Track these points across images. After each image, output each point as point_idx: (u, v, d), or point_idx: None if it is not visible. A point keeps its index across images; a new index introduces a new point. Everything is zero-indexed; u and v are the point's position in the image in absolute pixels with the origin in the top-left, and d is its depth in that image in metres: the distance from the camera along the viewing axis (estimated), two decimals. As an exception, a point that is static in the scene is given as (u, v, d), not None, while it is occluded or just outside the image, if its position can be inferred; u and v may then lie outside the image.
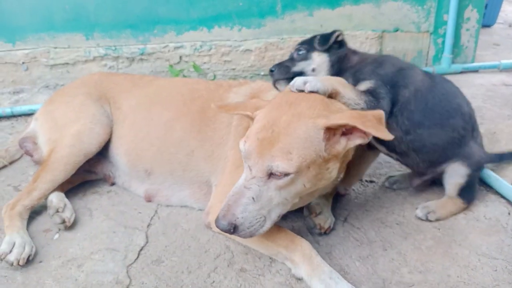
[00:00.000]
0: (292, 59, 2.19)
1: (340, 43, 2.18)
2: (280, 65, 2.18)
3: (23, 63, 3.55)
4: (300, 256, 1.77)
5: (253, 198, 1.61)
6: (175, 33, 3.72)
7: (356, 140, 1.67)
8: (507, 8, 7.61)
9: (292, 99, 1.74)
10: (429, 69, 4.28)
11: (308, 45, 2.18)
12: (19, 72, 3.57)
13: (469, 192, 2.16)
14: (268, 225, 1.66)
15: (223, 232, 1.66)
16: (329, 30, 2.19)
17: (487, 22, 6.17)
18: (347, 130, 1.67)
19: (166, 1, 3.61)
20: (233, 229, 1.60)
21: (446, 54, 4.31)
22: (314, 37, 2.19)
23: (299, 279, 1.77)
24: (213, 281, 1.78)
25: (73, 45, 3.59)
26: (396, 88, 1.98)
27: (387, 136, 1.58)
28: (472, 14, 4.30)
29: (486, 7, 5.63)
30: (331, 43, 2.12)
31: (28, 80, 3.62)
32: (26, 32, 3.51)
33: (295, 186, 1.65)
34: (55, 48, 3.57)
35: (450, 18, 4.18)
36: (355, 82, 2.02)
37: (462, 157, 2.12)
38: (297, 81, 1.79)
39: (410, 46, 4.28)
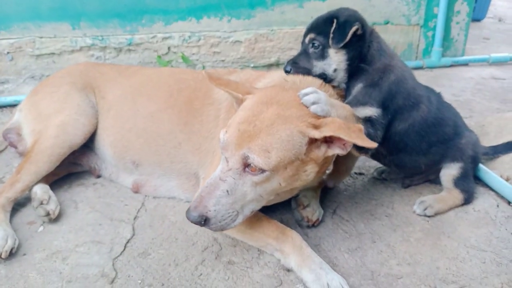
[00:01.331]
0: (306, 54, 1.99)
1: (360, 36, 1.93)
2: (295, 64, 1.99)
3: (7, 53, 3.48)
4: (290, 247, 1.75)
5: (227, 191, 1.57)
6: (163, 23, 3.67)
7: (335, 150, 1.65)
8: (497, 3, 7.66)
9: (285, 99, 1.67)
10: (419, 62, 4.30)
11: (323, 38, 1.93)
12: (3, 62, 3.50)
13: (465, 183, 2.15)
14: (240, 220, 1.64)
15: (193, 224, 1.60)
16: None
17: (477, 16, 6.20)
18: (329, 139, 1.64)
19: (154, -10, 3.56)
20: (204, 222, 1.56)
21: (436, 47, 4.32)
22: (327, 26, 1.92)
23: (288, 271, 1.75)
24: (201, 274, 1.75)
25: (59, 35, 3.52)
26: (395, 119, 1.98)
27: (371, 144, 1.59)
28: (462, 8, 4.31)
29: (476, 1, 5.64)
30: (347, 40, 1.89)
31: (13, 70, 3.54)
32: (11, 21, 3.43)
33: (271, 183, 1.63)
34: (41, 37, 3.50)
35: (440, 11, 4.18)
36: (364, 97, 1.93)
37: (450, 158, 2.15)
38: (307, 97, 1.67)
39: (400, 39, 4.27)
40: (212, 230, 1.62)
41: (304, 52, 2.01)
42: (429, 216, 2.09)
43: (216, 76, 1.87)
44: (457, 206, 2.15)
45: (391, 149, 2.07)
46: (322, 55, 1.96)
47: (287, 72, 2.00)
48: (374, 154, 2.11)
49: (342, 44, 1.89)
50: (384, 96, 1.92)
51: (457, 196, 2.14)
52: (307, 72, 1.98)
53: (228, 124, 1.68)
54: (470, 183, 2.18)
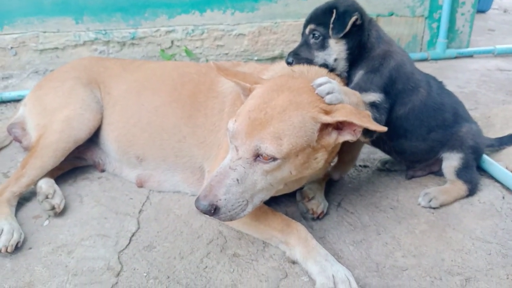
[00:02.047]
0: (307, 45, 2.01)
1: (359, 26, 1.95)
2: (297, 55, 2.00)
3: (11, 48, 3.48)
4: (295, 238, 1.75)
5: (237, 180, 1.56)
6: (166, 16, 3.66)
7: (346, 136, 1.66)
8: (502, -7, 7.58)
9: (295, 86, 1.67)
10: (424, 54, 4.27)
11: (323, 29, 1.94)
12: (7, 57, 3.51)
13: (468, 174, 2.14)
14: (249, 209, 1.62)
15: (203, 214, 1.59)
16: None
17: (482, 8, 6.15)
18: (339, 126, 1.65)
19: (157, -17, 3.55)
20: (214, 211, 1.54)
21: (441, 39, 4.29)
22: (327, 16, 1.93)
23: (293, 263, 1.75)
24: (206, 267, 1.76)
25: (62, 30, 3.52)
26: (395, 104, 2.00)
27: (382, 128, 1.63)
28: (467, -1, 4.28)
29: (481, -8, 5.60)
30: (347, 30, 1.90)
31: (17, 65, 3.55)
32: (14, 16, 3.43)
33: (281, 172, 1.62)
34: (44, 32, 3.50)
35: (445, 2, 4.15)
36: (365, 83, 1.95)
37: (450, 147, 2.15)
38: (322, 88, 1.66)
39: (405, 31, 4.25)
40: (221, 220, 1.61)
41: (305, 43, 2.03)
42: (434, 208, 2.08)
43: (224, 67, 1.87)
44: (462, 198, 2.14)
45: (391, 134, 2.04)
46: (323, 46, 1.98)
47: (289, 63, 2.01)
48: (375, 141, 2.13)
49: (342, 34, 1.91)
50: (385, 82, 1.95)
51: (461, 187, 2.13)
52: (309, 63, 1.99)
53: (237, 113, 1.66)
54: (473, 173, 2.17)
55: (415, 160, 2.27)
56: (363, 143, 2.29)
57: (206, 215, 1.58)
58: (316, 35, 1.97)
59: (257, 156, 1.57)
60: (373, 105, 1.91)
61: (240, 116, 1.62)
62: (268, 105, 1.60)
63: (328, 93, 1.66)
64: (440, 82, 2.22)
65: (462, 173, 2.13)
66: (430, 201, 2.09)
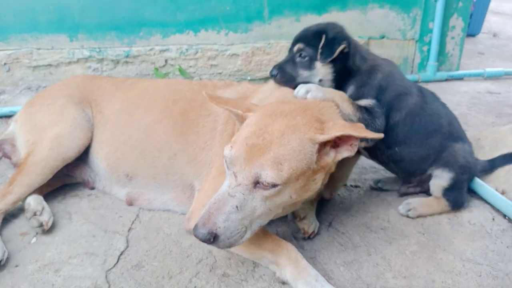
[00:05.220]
0: (293, 62, 2.05)
1: (346, 53, 2.02)
2: (282, 69, 2.04)
3: (5, 64, 3.48)
4: (286, 259, 1.74)
5: (237, 207, 1.53)
6: (161, 36, 3.68)
7: (344, 153, 1.68)
8: (491, 18, 7.74)
9: (288, 110, 1.68)
10: (415, 76, 4.33)
11: (311, 51, 2.00)
12: (0, 73, 3.50)
13: (454, 195, 2.18)
14: (248, 235, 1.60)
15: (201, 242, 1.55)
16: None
17: (471, 32, 6.27)
18: (336, 143, 1.67)
19: (152, 3, 3.57)
20: (213, 239, 1.50)
21: (431, 62, 4.35)
22: (316, 39, 1.99)
23: (283, 283, 1.73)
24: (195, 287, 1.73)
25: (56, 47, 3.53)
26: (390, 111, 2.04)
27: (379, 135, 1.67)
28: (457, 23, 4.36)
29: (470, 17, 5.71)
30: (334, 57, 1.97)
31: (10, 81, 3.54)
32: (8, 32, 3.43)
33: (281, 197, 1.60)
34: (38, 49, 3.50)
35: (435, 26, 4.22)
36: (357, 96, 2.02)
37: (443, 164, 2.17)
38: (301, 91, 1.88)
39: (396, 53, 4.30)
40: (219, 247, 1.57)
41: (291, 60, 2.07)
42: (412, 218, 2.17)
43: (216, 96, 1.89)
44: (441, 213, 2.20)
45: (390, 142, 2.09)
46: (309, 66, 2.03)
47: (272, 75, 2.06)
48: (373, 151, 2.17)
49: (329, 60, 1.98)
50: (376, 91, 2.02)
51: (444, 203, 2.19)
52: (292, 79, 2.04)
53: (233, 140, 1.65)
54: (460, 195, 2.21)
55: (411, 170, 2.25)
56: (354, 162, 2.30)
57: (204, 243, 1.53)
58: (303, 55, 2.03)
59: (256, 182, 1.55)
60: (366, 109, 1.97)
61: (236, 143, 1.61)
62: (265, 131, 1.59)
63: (307, 92, 1.82)
64: (433, 93, 2.26)
65: (448, 192, 2.17)
66: (409, 210, 2.17)
